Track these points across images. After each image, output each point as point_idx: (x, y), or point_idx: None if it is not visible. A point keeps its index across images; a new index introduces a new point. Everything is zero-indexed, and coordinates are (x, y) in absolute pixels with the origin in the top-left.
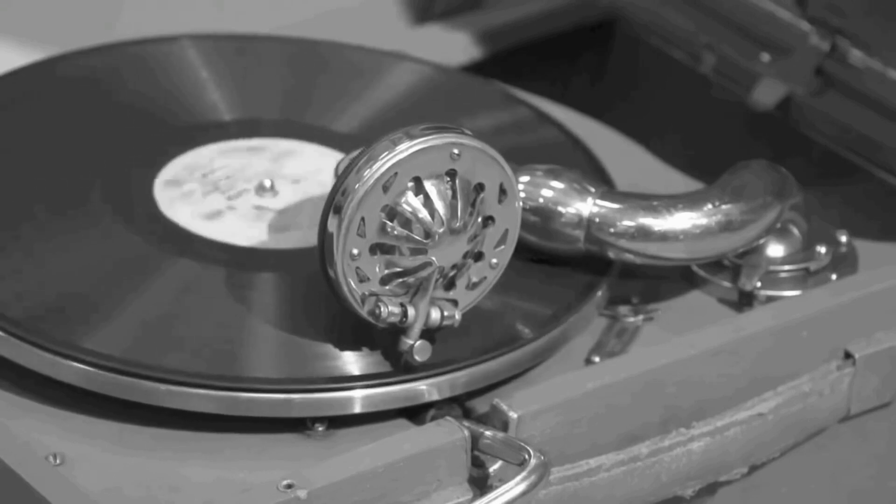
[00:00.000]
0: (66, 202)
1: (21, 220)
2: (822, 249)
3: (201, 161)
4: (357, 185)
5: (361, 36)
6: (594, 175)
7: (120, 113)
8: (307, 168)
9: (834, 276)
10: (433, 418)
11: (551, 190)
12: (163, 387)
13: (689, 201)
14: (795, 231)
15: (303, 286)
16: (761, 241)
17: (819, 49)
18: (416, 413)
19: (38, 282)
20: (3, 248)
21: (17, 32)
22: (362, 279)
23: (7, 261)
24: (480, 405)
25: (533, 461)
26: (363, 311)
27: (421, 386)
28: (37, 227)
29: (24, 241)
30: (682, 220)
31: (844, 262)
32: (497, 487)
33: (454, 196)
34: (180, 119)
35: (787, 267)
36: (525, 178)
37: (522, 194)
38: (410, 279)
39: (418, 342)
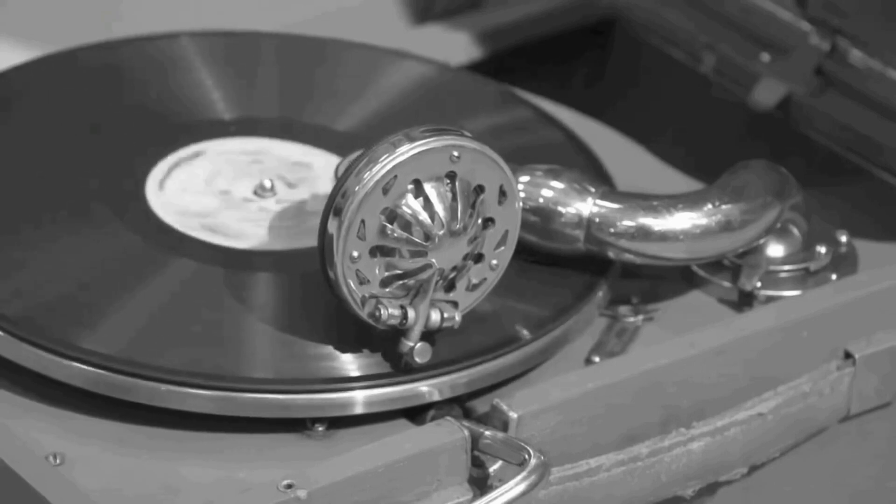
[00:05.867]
0: (64, 201)
1: (20, 220)
2: (822, 249)
3: (203, 158)
4: (357, 188)
5: (361, 35)
6: (594, 175)
7: (119, 111)
8: (315, 173)
9: (834, 276)
10: (433, 418)
11: (551, 190)
12: (162, 387)
13: (689, 201)
14: (795, 231)
15: (303, 286)
16: (761, 241)
17: (819, 49)
18: (416, 413)
19: (38, 281)
20: (3, 248)
21: (17, 32)
22: (362, 281)
23: (7, 260)
24: (480, 405)
25: (533, 461)
26: (363, 314)
27: (421, 387)
28: (36, 227)
29: (23, 241)
30: (682, 220)
31: (844, 262)
32: (497, 487)
33: (454, 198)
34: (179, 117)
35: (787, 267)
36: (525, 179)
37: (522, 194)
38: (410, 281)
39: (418, 344)
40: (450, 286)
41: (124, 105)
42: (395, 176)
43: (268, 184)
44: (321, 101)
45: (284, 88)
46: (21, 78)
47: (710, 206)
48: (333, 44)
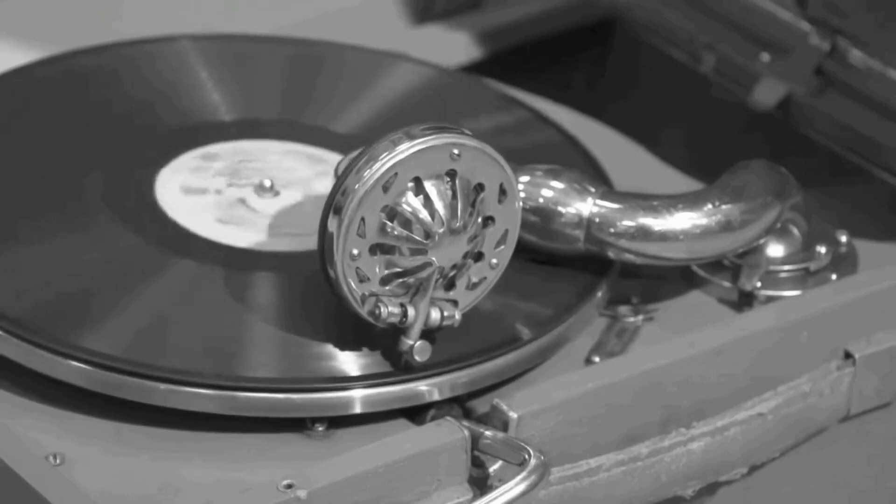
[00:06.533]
0: (65, 202)
1: (21, 220)
2: (822, 249)
3: (204, 160)
4: (357, 186)
5: (361, 36)
6: (594, 175)
7: (120, 113)
8: (315, 173)
9: (834, 276)
10: (433, 418)
11: (551, 190)
12: (162, 386)
13: (689, 201)
14: (795, 231)
15: (302, 286)
16: (761, 241)
17: (819, 49)
18: (416, 413)
19: (38, 281)
20: (4, 248)
21: (17, 32)
22: (362, 279)
23: (7, 260)
24: (480, 405)
25: (533, 461)
26: (363, 312)
27: (421, 386)
28: (37, 227)
29: (24, 241)
30: (682, 220)
31: (844, 262)
32: (497, 487)
33: (454, 196)
34: (180, 119)
35: (787, 267)
36: (525, 178)
37: (522, 194)
38: (410, 279)
39: (418, 342)
40: (450, 284)
41: (125, 106)
42: (396, 174)
43: (268, 184)
44: (321, 103)
45: (285, 90)
46: (23, 79)
47: (710, 206)
48: (333, 46)
